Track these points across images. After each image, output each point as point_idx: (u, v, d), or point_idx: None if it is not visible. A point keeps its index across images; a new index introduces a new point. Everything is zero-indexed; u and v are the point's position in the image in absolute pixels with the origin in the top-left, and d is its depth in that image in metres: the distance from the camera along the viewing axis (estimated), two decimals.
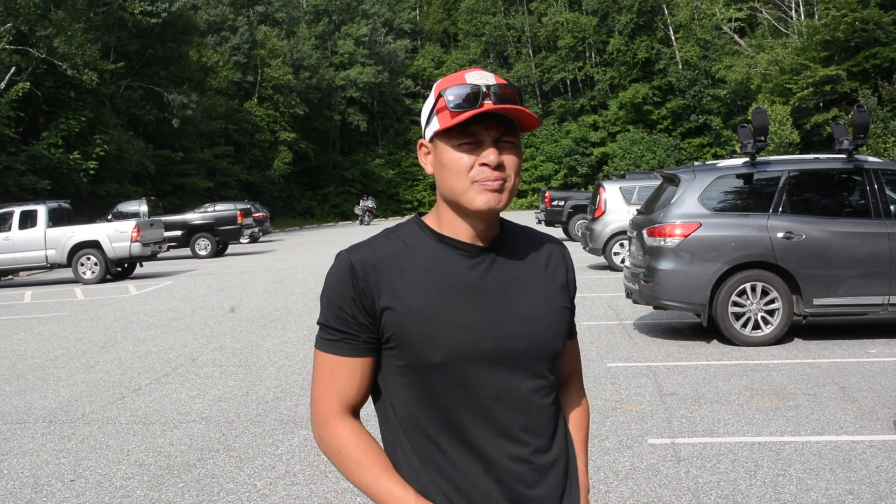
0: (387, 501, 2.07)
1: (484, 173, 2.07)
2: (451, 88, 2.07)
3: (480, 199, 2.08)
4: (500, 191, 2.09)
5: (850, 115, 22.87)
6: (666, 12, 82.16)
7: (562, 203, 32.44)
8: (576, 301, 2.42)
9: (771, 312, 11.35)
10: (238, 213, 36.74)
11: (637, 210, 14.12)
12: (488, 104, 2.04)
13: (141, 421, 8.69)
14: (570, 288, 2.35)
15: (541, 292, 2.23)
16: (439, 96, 2.10)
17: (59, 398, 9.93)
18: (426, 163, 2.21)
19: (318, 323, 2.19)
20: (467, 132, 2.07)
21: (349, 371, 2.15)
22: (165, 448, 7.69)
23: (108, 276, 26.00)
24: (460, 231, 2.18)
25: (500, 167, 2.08)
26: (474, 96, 2.04)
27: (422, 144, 2.22)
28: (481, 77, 2.09)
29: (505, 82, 2.10)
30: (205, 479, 6.80)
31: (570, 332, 2.39)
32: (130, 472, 7.03)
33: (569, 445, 2.31)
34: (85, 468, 7.21)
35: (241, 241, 38.48)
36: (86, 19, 49.91)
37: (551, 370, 2.22)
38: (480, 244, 2.18)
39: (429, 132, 2.16)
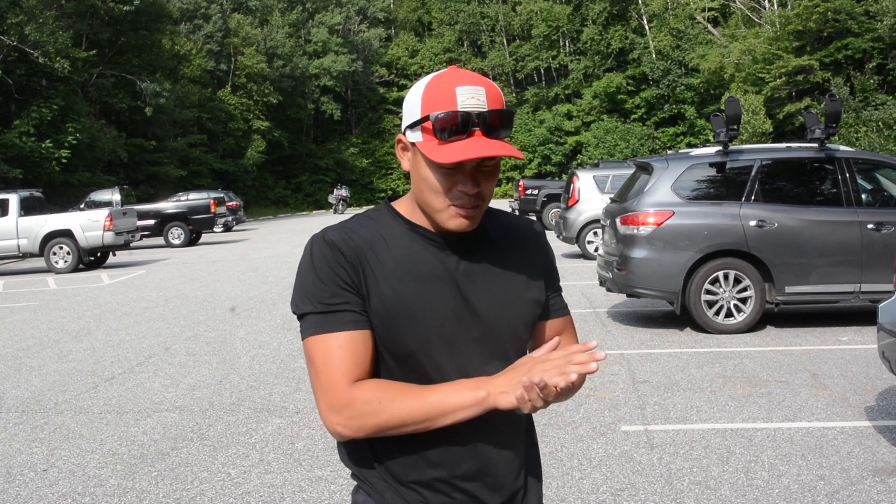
0: (457, 401, 2.00)
1: (461, 200, 2.07)
2: (440, 113, 2.02)
3: (454, 223, 2.10)
4: (473, 217, 2.10)
5: (822, 105, 23.00)
6: (640, 1, 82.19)
7: (536, 192, 32.52)
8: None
9: (743, 300, 11.42)
10: (211, 201, 36.65)
11: (610, 198, 14.16)
12: (477, 133, 2.02)
13: (114, 410, 8.67)
14: (546, 272, 2.36)
15: (512, 281, 2.24)
16: (426, 118, 2.04)
17: (31, 388, 9.88)
18: (403, 158, 2.19)
19: (302, 314, 2.12)
20: None
21: (361, 343, 2.08)
22: (139, 437, 7.67)
23: (81, 266, 25.83)
24: (432, 225, 2.18)
25: (476, 195, 2.08)
26: (463, 124, 2.01)
27: (400, 140, 2.18)
28: (472, 96, 2.04)
29: (497, 106, 2.06)
30: (178, 467, 6.79)
31: (552, 313, 2.37)
32: (104, 462, 7.02)
33: (532, 441, 2.36)
34: (58, 458, 7.19)
35: (215, 229, 38.39)
36: (57, 7, 49.51)
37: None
38: (452, 235, 2.18)
39: (410, 135, 2.12)
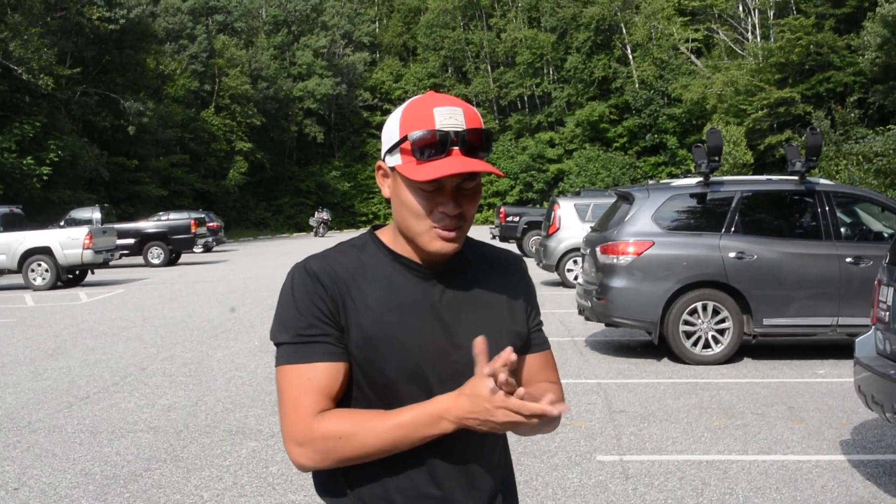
0: (420, 420, 1.99)
1: (443, 221, 2.06)
2: (418, 132, 2.01)
3: (435, 245, 2.08)
4: (455, 239, 2.09)
5: (803, 138, 23.12)
6: (624, 31, 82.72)
7: (517, 219, 32.52)
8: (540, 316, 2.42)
9: (721, 332, 11.43)
10: (192, 222, 36.52)
11: (591, 227, 14.17)
12: (455, 152, 2.01)
13: (88, 430, 8.61)
14: (528, 305, 2.34)
15: (494, 314, 2.22)
16: (405, 138, 2.04)
17: (5, 405, 9.81)
18: (383, 185, 2.17)
19: (279, 342, 2.11)
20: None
21: (332, 376, 2.06)
22: (112, 457, 7.62)
23: (59, 283, 25.71)
24: (415, 255, 2.16)
25: (458, 216, 2.07)
26: (441, 144, 2.00)
27: (380, 167, 2.17)
28: (450, 116, 2.03)
29: (475, 126, 2.06)
30: (151, 489, 6.74)
31: (533, 346, 2.35)
32: (76, 481, 6.96)
33: (508, 470, 2.34)
34: (30, 476, 7.13)
35: (195, 250, 38.22)
36: (43, 23, 49.61)
37: None
38: (435, 266, 2.17)
39: (389, 160, 2.11)
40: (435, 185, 2.04)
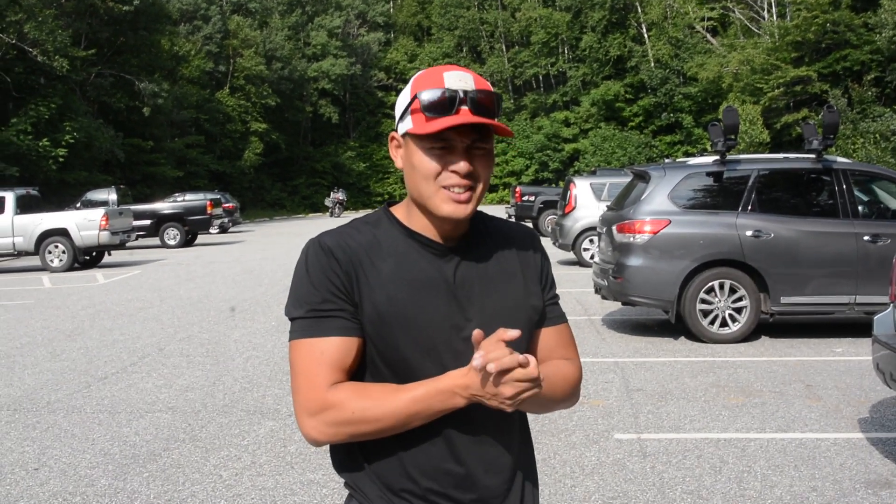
0: (431, 395, 2.01)
1: (453, 180, 2.06)
2: (427, 91, 2.04)
3: (447, 207, 2.07)
4: (467, 201, 2.08)
5: (819, 116, 23.04)
6: (639, 10, 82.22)
7: (532, 198, 32.53)
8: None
9: (738, 310, 11.41)
10: (208, 202, 36.61)
11: (607, 206, 14.15)
12: (464, 110, 2.02)
13: (107, 410, 8.65)
14: (543, 278, 2.34)
15: (509, 289, 2.22)
16: (415, 97, 2.06)
17: (24, 386, 9.86)
18: (396, 156, 2.19)
19: (294, 317, 2.12)
20: (439, 136, 2.03)
21: (345, 350, 2.07)
22: (131, 437, 7.65)
23: (76, 265, 25.82)
24: (429, 229, 2.16)
25: (469, 176, 2.07)
26: (450, 102, 2.02)
27: (393, 137, 2.19)
28: (460, 79, 2.06)
29: (484, 88, 2.07)
30: (170, 468, 6.77)
31: (548, 321, 2.34)
32: (95, 461, 7.00)
33: (527, 448, 2.33)
34: (49, 457, 7.17)
35: (211, 231, 38.35)
36: (57, 5, 49.56)
37: None
38: (450, 242, 2.17)
39: (401, 128, 2.13)
40: (445, 142, 2.05)
